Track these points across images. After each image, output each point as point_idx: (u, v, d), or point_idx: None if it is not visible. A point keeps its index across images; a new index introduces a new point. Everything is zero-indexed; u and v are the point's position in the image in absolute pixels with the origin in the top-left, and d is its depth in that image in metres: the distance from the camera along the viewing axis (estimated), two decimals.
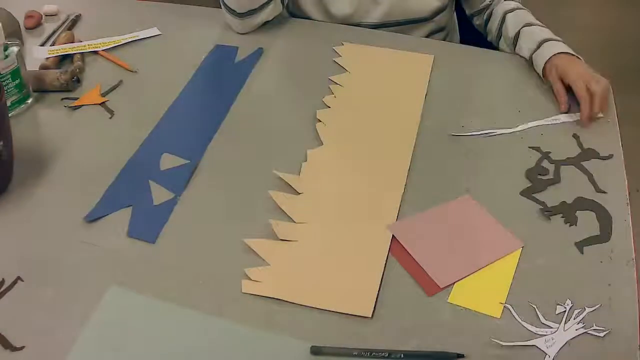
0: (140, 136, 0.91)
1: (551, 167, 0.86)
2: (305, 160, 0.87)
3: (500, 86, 1.03)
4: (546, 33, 1.04)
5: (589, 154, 0.89)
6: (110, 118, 0.95)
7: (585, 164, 0.87)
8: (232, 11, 1.09)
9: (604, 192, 0.83)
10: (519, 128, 0.92)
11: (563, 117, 0.95)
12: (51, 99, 0.98)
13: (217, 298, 0.70)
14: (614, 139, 0.91)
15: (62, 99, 0.98)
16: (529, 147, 0.89)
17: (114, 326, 0.67)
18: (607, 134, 0.92)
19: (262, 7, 1.09)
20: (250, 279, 0.71)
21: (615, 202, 0.81)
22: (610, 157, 0.88)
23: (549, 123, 0.94)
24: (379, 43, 1.10)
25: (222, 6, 1.11)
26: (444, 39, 1.25)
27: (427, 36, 1.19)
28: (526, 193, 0.83)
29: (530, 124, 0.93)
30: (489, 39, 1.17)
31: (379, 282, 0.71)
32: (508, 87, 1.03)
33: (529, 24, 1.07)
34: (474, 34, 1.22)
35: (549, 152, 0.88)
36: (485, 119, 0.94)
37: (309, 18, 1.18)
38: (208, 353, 0.65)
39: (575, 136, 0.91)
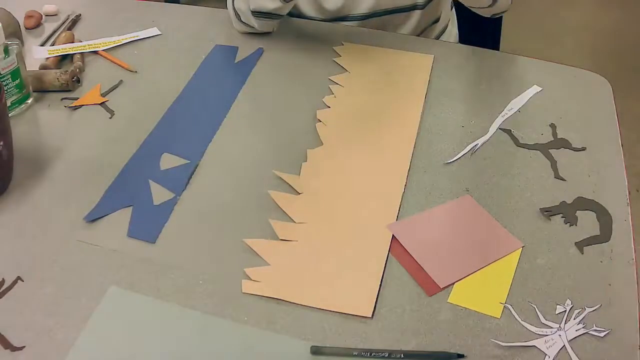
0: (140, 136, 0.91)
1: None
2: (305, 160, 0.87)
3: (500, 86, 1.03)
4: None
5: (559, 142, 0.89)
6: (110, 118, 0.95)
7: (552, 151, 0.88)
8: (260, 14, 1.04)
9: (563, 180, 0.83)
10: (492, 128, 0.92)
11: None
12: (51, 99, 0.98)
13: (217, 298, 0.70)
14: (614, 139, 0.91)
15: (62, 99, 0.98)
16: (510, 140, 0.90)
17: (114, 326, 0.67)
18: (607, 134, 0.92)
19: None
20: (250, 279, 0.71)
21: (615, 202, 0.81)
22: (582, 149, 0.88)
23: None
24: (379, 43, 1.10)
25: (244, 13, 1.06)
26: (441, 32, 1.25)
27: (422, 28, 1.18)
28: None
29: (503, 117, 0.94)
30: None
31: (379, 282, 0.71)
32: (508, 86, 1.03)
33: None
34: (474, 33, 1.22)
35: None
36: (485, 119, 0.94)
37: (301, 14, 1.17)
38: (208, 353, 0.65)
39: (552, 125, 0.92)
